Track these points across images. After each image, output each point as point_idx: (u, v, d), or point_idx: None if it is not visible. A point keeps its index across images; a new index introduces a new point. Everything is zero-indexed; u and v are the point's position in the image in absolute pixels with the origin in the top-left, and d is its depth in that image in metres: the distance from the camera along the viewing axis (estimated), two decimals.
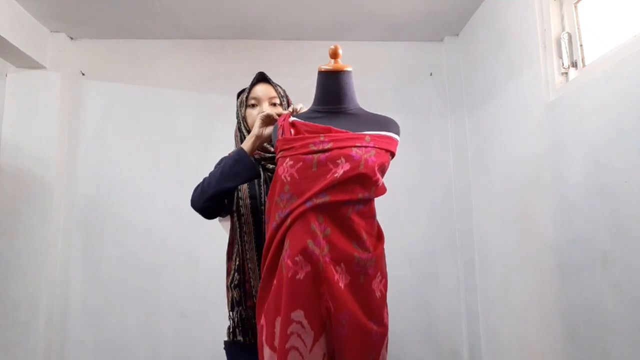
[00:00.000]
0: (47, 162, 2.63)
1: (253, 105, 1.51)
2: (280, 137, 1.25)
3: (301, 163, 1.16)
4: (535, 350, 2.00)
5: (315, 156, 1.15)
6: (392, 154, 1.25)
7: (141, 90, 2.87)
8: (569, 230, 1.75)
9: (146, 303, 2.66)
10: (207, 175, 1.45)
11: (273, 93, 1.52)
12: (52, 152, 2.64)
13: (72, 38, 2.86)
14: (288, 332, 1.06)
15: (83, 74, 2.86)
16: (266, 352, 1.11)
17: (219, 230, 2.75)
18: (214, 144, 2.83)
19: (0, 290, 2.50)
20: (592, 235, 1.60)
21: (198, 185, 1.43)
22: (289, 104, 1.55)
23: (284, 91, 1.57)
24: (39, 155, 2.63)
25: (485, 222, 2.58)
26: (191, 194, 1.43)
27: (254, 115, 1.48)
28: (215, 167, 1.51)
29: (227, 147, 2.80)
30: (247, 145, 1.39)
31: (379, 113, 1.35)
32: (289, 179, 1.15)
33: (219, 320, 2.67)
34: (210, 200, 1.37)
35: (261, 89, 1.52)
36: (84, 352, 2.62)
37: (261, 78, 1.54)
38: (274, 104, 1.51)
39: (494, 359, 2.47)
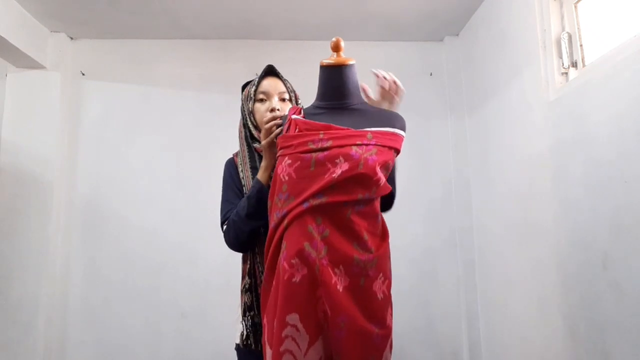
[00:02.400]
0: (47, 162, 2.63)
1: (262, 100, 1.43)
2: (284, 133, 1.22)
3: (299, 162, 1.13)
4: (536, 350, 2.00)
5: (314, 155, 1.12)
6: (397, 151, 1.20)
7: (141, 90, 2.87)
8: (569, 230, 1.75)
9: (146, 303, 2.66)
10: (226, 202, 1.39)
11: (282, 88, 1.45)
12: (52, 151, 2.64)
13: (72, 38, 2.86)
14: (283, 335, 1.04)
15: (83, 74, 2.86)
16: (268, 351, 1.11)
17: (217, 231, 2.75)
18: (214, 144, 2.83)
19: (0, 290, 2.50)
20: (592, 235, 1.60)
21: (228, 229, 1.35)
22: (296, 100, 1.49)
23: (292, 86, 1.49)
24: (39, 155, 2.63)
25: (485, 222, 2.58)
26: (223, 236, 1.37)
27: (262, 111, 1.42)
28: (224, 183, 1.43)
29: (226, 147, 2.82)
30: (264, 177, 1.31)
31: None
32: (286, 178, 1.13)
33: (219, 320, 2.68)
34: (248, 239, 1.33)
35: (270, 83, 1.44)
36: (84, 352, 2.62)
37: (270, 71, 1.46)
38: (283, 99, 1.44)
39: (494, 359, 2.47)
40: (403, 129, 1.23)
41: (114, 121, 2.83)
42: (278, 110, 1.40)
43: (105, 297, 2.66)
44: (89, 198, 2.75)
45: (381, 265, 1.13)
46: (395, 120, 1.23)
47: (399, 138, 1.21)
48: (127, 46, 2.89)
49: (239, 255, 1.40)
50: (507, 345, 2.31)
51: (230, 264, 2.71)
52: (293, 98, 1.48)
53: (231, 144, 3.07)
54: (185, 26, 2.76)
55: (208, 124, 2.85)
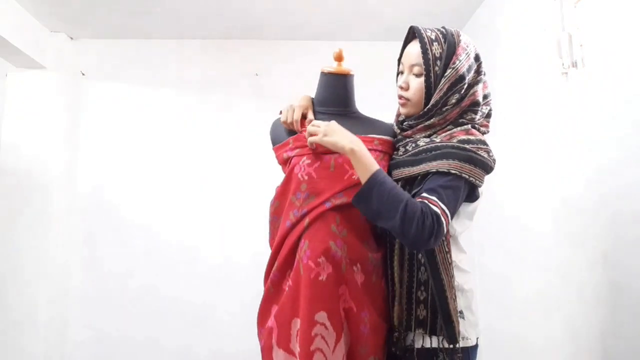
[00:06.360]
0: (47, 162, 2.62)
1: (400, 73, 1.22)
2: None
3: (319, 162, 1.16)
4: (535, 350, 2.00)
5: (332, 156, 1.16)
6: (391, 156, 1.27)
7: (141, 90, 2.87)
8: (569, 230, 1.75)
9: (146, 303, 2.67)
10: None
11: (414, 59, 1.13)
12: (52, 152, 2.64)
13: (72, 38, 2.86)
14: (312, 334, 1.06)
15: (83, 74, 2.86)
16: (279, 354, 1.11)
17: (218, 230, 2.76)
18: (214, 143, 2.83)
19: (0, 290, 2.50)
20: (592, 235, 1.60)
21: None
22: (445, 69, 1.10)
23: (440, 49, 1.10)
24: (39, 155, 2.62)
25: (484, 222, 2.58)
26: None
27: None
28: None
29: (226, 146, 2.82)
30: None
31: (379, 114, 1.37)
32: (306, 177, 1.16)
33: (219, 319, 2.68)
34: None
35: (407, 51, 1.20)
36: (84, 352, 2.62)
37: (410, 34, 1.20)
38: (416, 75, 1.14)
39: (494, 358, 2.47)
40: (394, 136, 1.31)
41: (114, 121, 2.83)
42: (401, 88, 1.17)
43: (105, 298, 2.66)
44: (89, 198, 2.75)
45: (382, 263, 1.20)
46: (389, 129, 1.31)
47: (393, 144, 1.29)
48: (127, 46, 2.89)
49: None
50: (507, 345, 2.31)
51: (231, 263, 2.72)
52: (433, 71, 1.10)
53: (231, 143, 3.08)
54: (185, 26, 2.75)
55: (208, 123, 2.85)
